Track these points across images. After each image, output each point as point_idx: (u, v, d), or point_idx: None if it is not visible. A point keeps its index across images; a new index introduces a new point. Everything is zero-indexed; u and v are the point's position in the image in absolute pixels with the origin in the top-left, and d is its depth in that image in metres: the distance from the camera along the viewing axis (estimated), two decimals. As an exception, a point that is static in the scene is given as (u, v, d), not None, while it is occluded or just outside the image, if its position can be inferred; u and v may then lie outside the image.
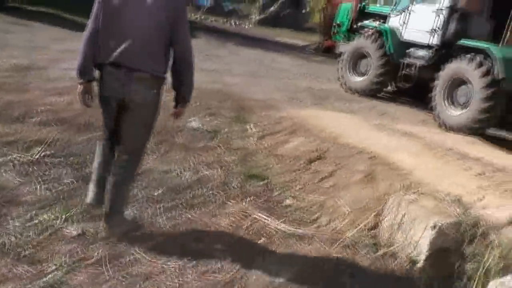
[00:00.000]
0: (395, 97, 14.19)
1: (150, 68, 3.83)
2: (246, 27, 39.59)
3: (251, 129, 8.25)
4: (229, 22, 40.77)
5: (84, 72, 3.89)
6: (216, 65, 14.46)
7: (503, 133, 11.79)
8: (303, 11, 52.63)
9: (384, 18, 14.23)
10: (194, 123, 7.79)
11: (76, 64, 3.91)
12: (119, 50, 3.72)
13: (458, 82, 11.38)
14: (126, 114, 3.91)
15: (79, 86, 3.92)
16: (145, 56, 3.79)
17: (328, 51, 24.57)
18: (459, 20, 12.19)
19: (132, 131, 4.00)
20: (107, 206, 4.09)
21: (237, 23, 40.62)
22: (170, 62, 3.97)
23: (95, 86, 4.03)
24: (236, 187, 5.96)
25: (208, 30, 27.70)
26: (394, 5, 13.68)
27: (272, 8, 44.70)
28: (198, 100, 9.14)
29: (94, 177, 4.23)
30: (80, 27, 4.80)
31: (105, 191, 4.08)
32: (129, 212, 4.58)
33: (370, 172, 6.29)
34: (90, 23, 3.83)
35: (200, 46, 19.09)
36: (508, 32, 12.69)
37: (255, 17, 45.76)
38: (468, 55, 11.13)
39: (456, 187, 5.88)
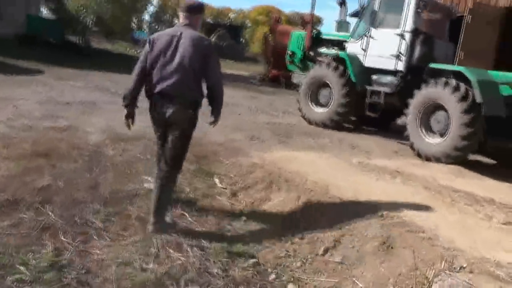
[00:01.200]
0: (357, 126, 12.95)
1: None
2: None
3: (219, 183, 6.69)
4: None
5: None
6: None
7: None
8: (241, 40, 51.83)
9: (339, 44, 13.09)
10: (149, 184, 6.16)
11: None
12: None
13: (432, 108, 10.25)
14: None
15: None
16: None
17: (275, 81, 23.40)
18: (423, 44, 11.18)
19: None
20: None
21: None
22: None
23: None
24: (218, 274, 4.36)
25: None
26: (352, 31, 12.48)
27: (213, 40, 43.52)
28: (148, 150, 7.58)
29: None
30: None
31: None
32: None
33: (386, 238, 4.83)
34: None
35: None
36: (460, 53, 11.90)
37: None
38: (443, 79, 10.00)
39: (498, 251, 4.52)
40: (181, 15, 4.97)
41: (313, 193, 6.06)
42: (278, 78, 22.78)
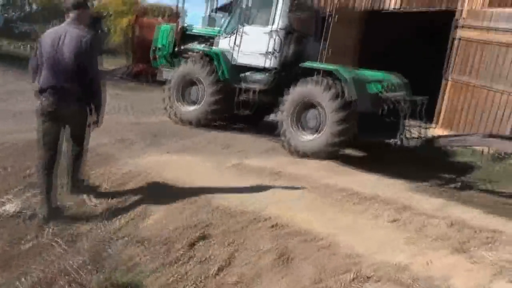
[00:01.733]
0: (228, 124, 12.53)
1: None
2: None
3: (91, 201, 5.96)
4: (25, 47, 36.26)
5: None
6: (22, 105, 11.59)
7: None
8: (100, 31, 49.59)
9: (208, 40, 12.63)
10: (11, 206, 5.33)
11: None
12: None
13: (305, 105, 10.16)
14: None
15: None
16: None
17: (139, 76, 22.34)
18: (295, 42, 11.08)
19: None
20: None
21: (36, 47, 36.21)
22: None
23: None
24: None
25: (2, 58, 23.80)
26: (223, 27, 12.06)
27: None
28: (7, 162, 6.66)
29: None
30: None
31: None
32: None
33: (282, 250, 4.49)
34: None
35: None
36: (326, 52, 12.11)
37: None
38: (315, 78, 9.96)
39: (395, 251, 4.39)
40: (67, 13, 5.28)
41: (196, 204, 5.58)
42: (142, 73, 21.78)
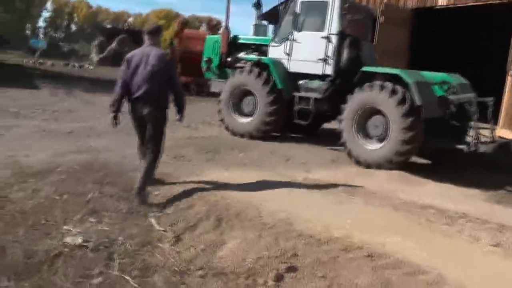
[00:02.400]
0: (283, 134, 11.99)
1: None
2: (90, 68, 35.74)
3: (156, 225, 5.47)
4: (71, 65, 36.71)
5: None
6: (72, 125, 11.31)
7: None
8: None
9: (258, 49, 12.14)
10: (73, 237, 4.87)
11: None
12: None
13: (368, 113, 9.56)
14: None
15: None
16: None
17: (184, 88, 22.05)
18: (350, 47, 10.45)
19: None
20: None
21: (79, 65, 36.60)
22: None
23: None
24: None
25: (49, 77, 23.94)
26: (273, 34, 11.53)
27: (112, 46, 41.34)
28: (65, 188, 6.26)
29: None
30: None
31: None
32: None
33: (384, 286, 3.88)
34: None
35: (44, 99, 15.70)
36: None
37: (95, 56, 42.12)
38: (377, 83, 9.31)
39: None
40: (145, 37, 6.30)
41: (276, 230, 5.01)
42: (189, 85, 21.43)
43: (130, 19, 71.55)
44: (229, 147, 10.20)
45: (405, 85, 9.07)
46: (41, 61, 36.74)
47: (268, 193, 6.51)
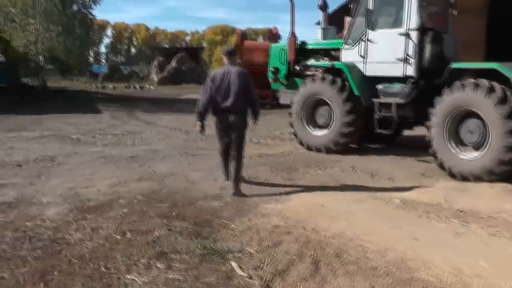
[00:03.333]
0: (362, 146, 10.78)
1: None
2: (151, 88, 35.62)
3: (239, 270, 4.44)
4: (132, 86, 36.76)
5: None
6: (133, 148, 10.57)
7: None
8: (202, 62, 49.53)
9: (328, 54, 11.07)
10: (141, 291, 3.94)
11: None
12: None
13: (462, 116, 8.31)
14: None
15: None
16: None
17: None
18: (432, 42, 9.19)
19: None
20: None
21: (140, 86, 36.60)
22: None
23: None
24: None
25: (111, 100, 23.74)
26: (345, 37, 10.39)
27: (171, 65, 41.24)
28: (127, 224, 5.39)
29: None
30: None
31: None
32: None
33: None
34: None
35: (105, 122, 15.16)
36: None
37: (155, 76, 42.16)
38: (471, 80, 8.03)
39: None
40: (224, 58, 7.22)
41: (392, 279, 3.88)
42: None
43: (187, 38, 71.92)
44: (305, 163, 9.15)
45: (504, 81, 7.77)
46: (103, 85, 36.97)
47: (364, 223, 5.41)
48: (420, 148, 9.34)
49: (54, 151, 10.11)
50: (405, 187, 7.51)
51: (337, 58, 10.65)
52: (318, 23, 26.02)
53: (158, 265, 4.50)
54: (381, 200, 6.49)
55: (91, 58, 43.40)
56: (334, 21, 14.73)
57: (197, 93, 28.81)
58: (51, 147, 10.65)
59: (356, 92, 9.72)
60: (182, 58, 42.56)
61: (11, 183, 7.48)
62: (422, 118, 8.97)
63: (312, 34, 13.68)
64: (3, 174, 8.10)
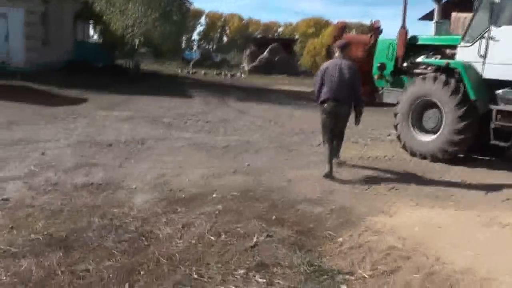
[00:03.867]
0: (470, 156, 9.57)
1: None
2: (242, 76, 35.40)
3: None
4: (223, 73, 36.71)
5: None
6: (226, 138, 10.06)
7: None
8: (295, 54, 48.88)
9: (441, 52, 10.03)
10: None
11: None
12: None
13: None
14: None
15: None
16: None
17: None
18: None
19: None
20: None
21: (231, 74, 36.49)
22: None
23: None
24: None
25: (202, 86, 23.53)
26: (464, 32, 9.30)
27: (264, 55, 40.80)
28: (222, 224, 4.83)
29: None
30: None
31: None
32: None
33: None
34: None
35: (197, 108, 14.82)
36: None
37: (246, 65, 41.93)
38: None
39: None
40: (337, 51, 7.70)
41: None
42: None
43: (280, 29, 71.44)
44: (409, 171, 8.25)
45: None
46: (194, 71, 37.10)
47: (494, 256, 4.50)
48: None
49: (145, 133, 9.79)
50: None
51: (451, 57, 9.60)
52: (425, 18, 24.59)
53: (258, 279, 3.90)
54: (508, 228, 5.52)
55: (184, 44, 43.48)
56: (446, 16, 13.54)
57: (289, 84, 28.20)
58: (141, 129, 10.37)
59: (472, 96, 8.64)
60: (275, 48, 41.85)
61: (101, 164, 7.17)
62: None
63: (413, 31, 12.58)
64: (94, 153, 7.82)
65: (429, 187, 7.37)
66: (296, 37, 54.12)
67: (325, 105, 7.47)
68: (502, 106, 8.52)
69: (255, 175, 7.13)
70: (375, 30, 19.51)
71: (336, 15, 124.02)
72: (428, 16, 22.87)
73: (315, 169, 7.62)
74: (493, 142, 8.68)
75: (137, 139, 9.08)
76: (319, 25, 61.22)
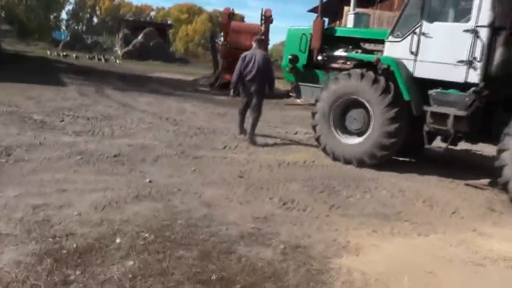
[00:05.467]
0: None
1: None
2: (117, 62, 32.51)
3: None
4: (96, 57, 33.54)
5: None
6: (115, 141, 8.07)
7: None
8: (169, 40, 46.46)
9: (359, 46, 8.90)
10: None
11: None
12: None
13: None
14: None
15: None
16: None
17: (226, 87, 18.36)
18: (506, 43, 7.14)
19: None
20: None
21: (105, 58, 33.41)
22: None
23: None
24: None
25: (76, 72, 20.74)
26: (393, 26, 8.13)
27: (139, 39, 38.02)
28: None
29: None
30: None
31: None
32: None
33: None
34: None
35: (73, 99, 12.46)
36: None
37: (119, 50, 38.92)
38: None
39: None
40: (254, 43, 9.34)
41: None
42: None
43: (153, 13, 68.50)
44: (341, 181, 7.01)
45: None
46: (65, 53, 33.52)
47: None
48: (463, 168, 8.19)
49: (11, 138, 7.41)
50: (480, 227, 5.66)
51: (372, 52, 8.46)
52: (312, 11, 23.66)
53: None
54: (461, 246, 4.53)
55: (52, 23, 39.57)
56: (329, 10, 12.47)
57: (167, 72, 26.06)
58: (5, 131, 7.93)
59: (406, 97, 7.56)
60: (150, 33, 39.32)
61: None
62: (480, 135, 7.49)
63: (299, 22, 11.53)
64: None
65: (371, 202, 6.25)
66: (169, 21, 51.73)
67: (243, 86, 9.11)
68: (436, 108, 7.51)
69: (164, 199, 5.40)
70: (266, 19, 18.27)
71: (208, 3, 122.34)
72: (316, 10, 22.11)
73: (232, 184, 6.11)
74: (427, 145, 7.90)
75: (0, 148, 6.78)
76: (192, 11, 59.40)
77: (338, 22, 20.26)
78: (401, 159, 8.70)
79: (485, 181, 7.72)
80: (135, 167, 6.57)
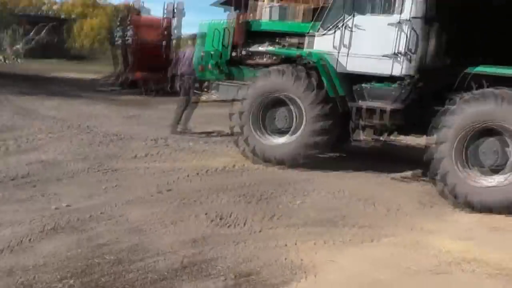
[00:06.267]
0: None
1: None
2: (18, 61, 30.09)
3: None
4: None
5: None
6: (22, 157, 7.15)
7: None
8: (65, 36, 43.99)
9: (283, 40, 8.45)
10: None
11: None
12: None
13: (482, 133, 6.32)
14: None
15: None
16: None
17: (136, 86, 17.27)
18: (439, 35, 7.17)
19: None
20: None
21: (4, 57, 30.80)
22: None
23: None
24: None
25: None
26: (320, 19, 7.69)
27: (41, 35, 35.36)
28: None
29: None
30: None
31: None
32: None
33: None
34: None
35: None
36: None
37: (20, 47, 36.10)
38: (492, 91, 6.22)
39: None
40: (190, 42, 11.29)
41: None
42: (147, 83, 16.77)
43: (44, 7, 64.66)
44: (276, 185, 6.63)
45: None
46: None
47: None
48: (391, 160, 7.95)
49: None
50: (426, 225, 5.47)
51: (296, 46, 8.06)
52: (215, 4, 23.04)
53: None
54: (442, 270, 4.24)
55: None
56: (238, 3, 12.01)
57: (71, 71, 24.31)
58: None
59: (331, 93, 7.24)
60: (48, 29, 36.62)
61: None
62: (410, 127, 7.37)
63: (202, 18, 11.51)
64: None
65: (314, 207, 5.89)
66: (62, 16, 48.95)
67: (179, 78, 10.37)
68: (365, 103, 7.23)
69: (85, 229, 4.67)
70: (173, 12, 17.41)
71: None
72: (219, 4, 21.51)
73: (161, 200, 5.50)
74: (353, 141, 7.69)
75: None
76: (86, 5, 56.87)
77: (251, 15, 19.77)
78: (328, 155, 8.37)
79: (416, 173, 7.52)
80: (48, 189, 5.74)
